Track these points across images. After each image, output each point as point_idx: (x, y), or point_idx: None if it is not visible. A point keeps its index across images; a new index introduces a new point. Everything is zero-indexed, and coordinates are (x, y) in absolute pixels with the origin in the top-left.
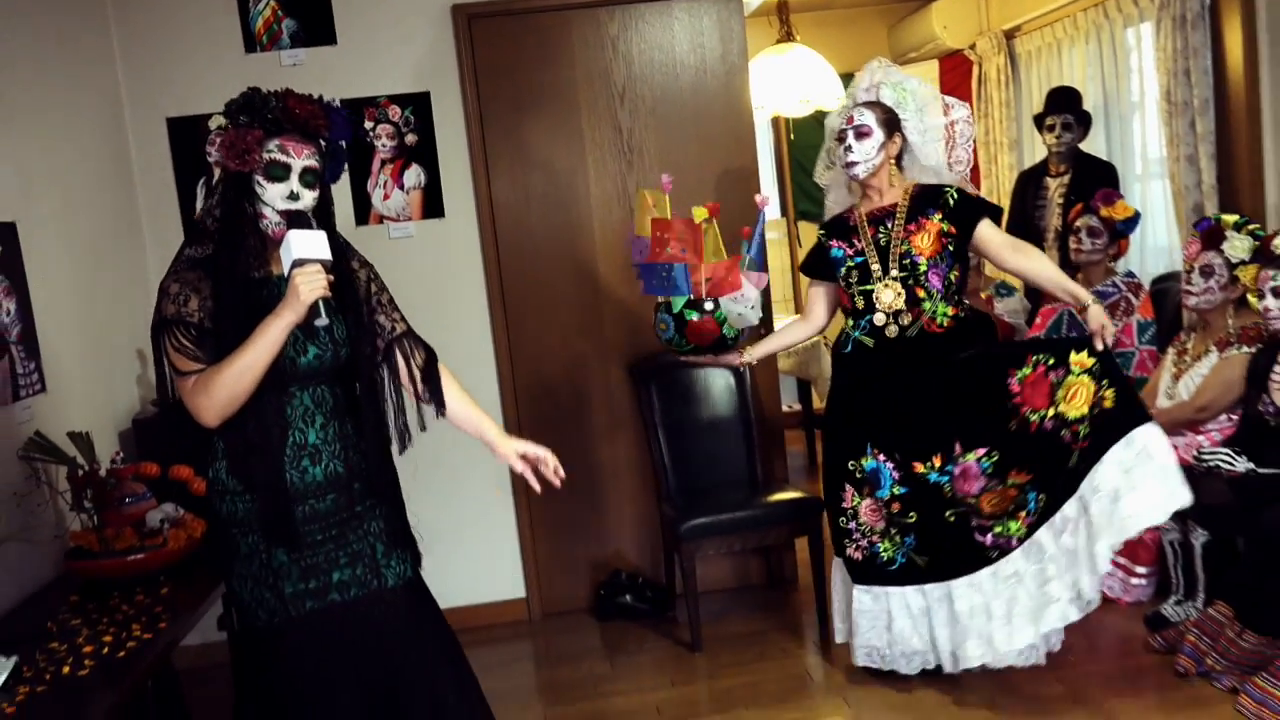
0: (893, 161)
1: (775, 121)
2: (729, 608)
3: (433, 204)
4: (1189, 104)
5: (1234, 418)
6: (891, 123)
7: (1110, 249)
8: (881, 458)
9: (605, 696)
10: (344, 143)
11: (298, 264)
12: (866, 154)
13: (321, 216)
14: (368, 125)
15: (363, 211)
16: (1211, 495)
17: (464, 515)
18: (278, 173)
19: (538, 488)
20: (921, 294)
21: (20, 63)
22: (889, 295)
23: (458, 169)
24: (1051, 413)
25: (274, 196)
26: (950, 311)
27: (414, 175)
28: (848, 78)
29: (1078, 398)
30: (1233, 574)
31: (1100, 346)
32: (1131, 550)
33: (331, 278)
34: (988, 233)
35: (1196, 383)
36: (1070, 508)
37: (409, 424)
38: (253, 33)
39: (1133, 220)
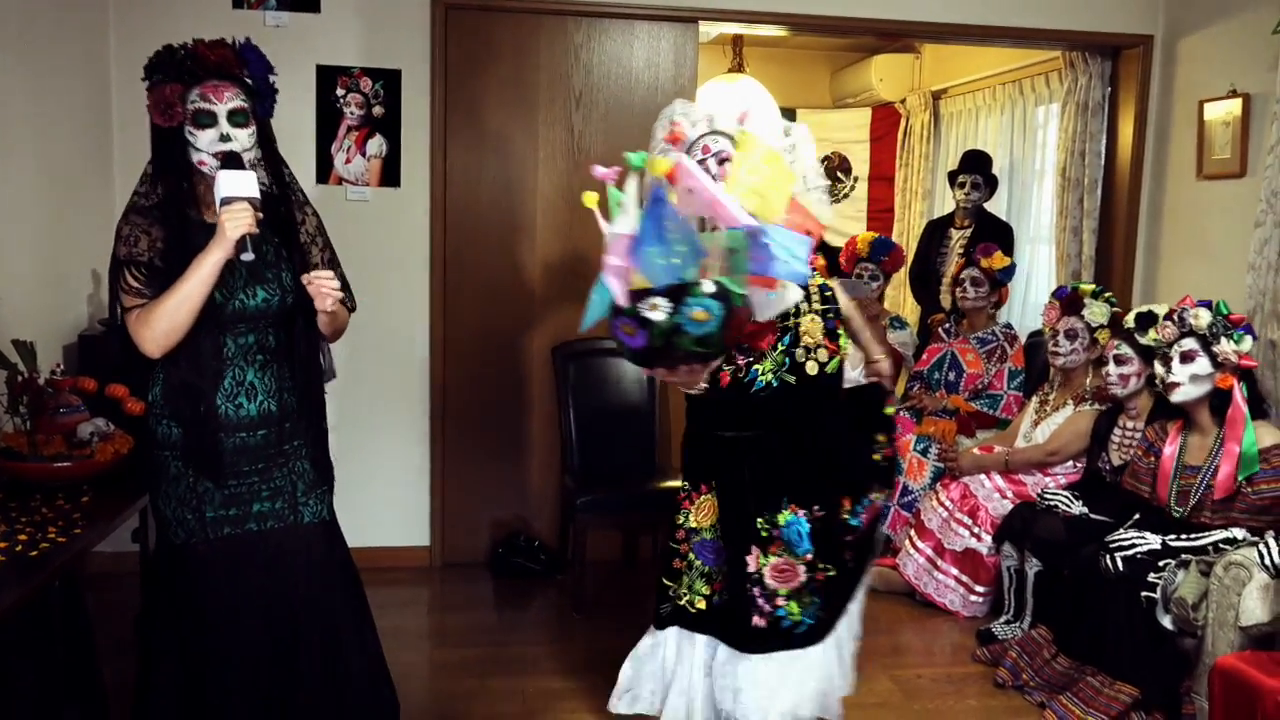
0: None
1: None
2: (615, 578)
3: (390, 174)
4: (1080, 181)
5: (1079, 465)
6: None
7: (992, 297)
8: (801, 512)
9: (489, 645)
10: (271, 77)
11: (225, 202)
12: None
13: (265, 152)
14: (339, 92)
15: (324, 171)
16: (1047, 531)
17: (383, 462)
18: (204, 120)
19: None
20: (840, 328)
21: None
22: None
23: (417, 145)
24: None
25: (206, 143)
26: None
27: (376, 145)
28: (789, 112)
29: None
30: (1056, 602)
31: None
32: (974, 570)
33: (260, 215)
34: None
35: (1051, 430)
36: None
37: (331, 367)
38: None
39: (1009, 269)
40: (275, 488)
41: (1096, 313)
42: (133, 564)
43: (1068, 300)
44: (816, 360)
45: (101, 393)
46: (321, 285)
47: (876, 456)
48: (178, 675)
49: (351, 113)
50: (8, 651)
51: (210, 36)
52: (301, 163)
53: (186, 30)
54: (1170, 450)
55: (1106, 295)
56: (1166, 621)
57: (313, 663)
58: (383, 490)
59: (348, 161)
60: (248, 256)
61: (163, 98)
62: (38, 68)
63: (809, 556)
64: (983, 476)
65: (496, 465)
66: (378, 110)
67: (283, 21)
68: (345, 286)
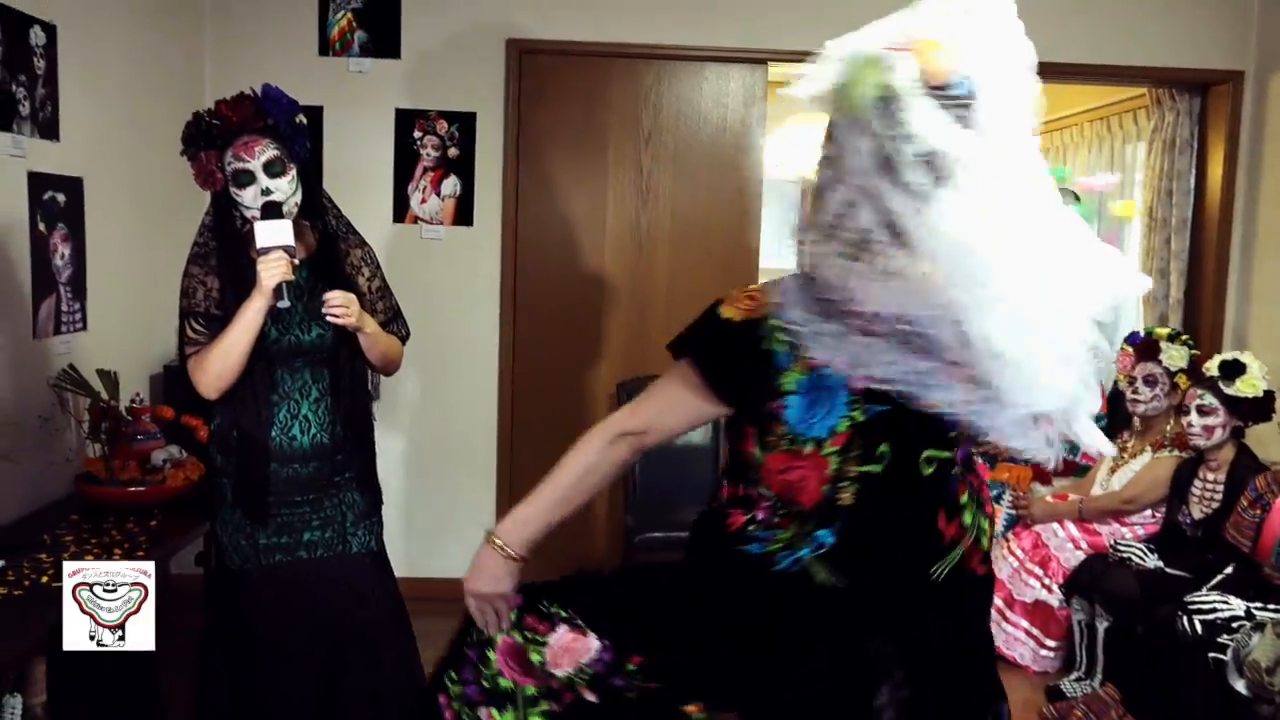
0: None
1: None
2: None
3: (464, 213)
4: (1168, 221)
5: (1158, 516)
6: None
7: None
8: None
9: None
10: (298, 118)
11: (261, 252)
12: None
13: (307, 191)
14: (416, 134)
15: (401, 210)
16: (1119, 585)
17: (450, 494)
18: (243, 179)
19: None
20: None
21: (116, 40)
22: None
23: (490, 185)
24: None
25: (250, 199)
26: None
27: (451, 185)
28: None
29: None
30: (1127, 660)
31: None
32: (1044, 623)
33: (295, 261)
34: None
35: (1129, 477)
36: None
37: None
38: (327, 38)
39: None
40: (325, 518)
41: (1175, 356)
42: (201, 586)
43: (1142, 346)
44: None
45: (178, 421)
46: (332, 310)
47: None
48: (229, 694)
49: (428, 154)
50: (69, 666)
51: (297, 82)
52: (379, 202)
53: (275, 76)
54: None
55: (1183, 338)
56: (1240, 686)
57: (357, 688)
58: (450, 521)
59: (423, 201)
60: (284, 304)
61: (202, 167)
62: (136, 110)
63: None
64: (1056, 525)
65: None
66: (453, 151)
67: (365, 67)
68: (397, 315)
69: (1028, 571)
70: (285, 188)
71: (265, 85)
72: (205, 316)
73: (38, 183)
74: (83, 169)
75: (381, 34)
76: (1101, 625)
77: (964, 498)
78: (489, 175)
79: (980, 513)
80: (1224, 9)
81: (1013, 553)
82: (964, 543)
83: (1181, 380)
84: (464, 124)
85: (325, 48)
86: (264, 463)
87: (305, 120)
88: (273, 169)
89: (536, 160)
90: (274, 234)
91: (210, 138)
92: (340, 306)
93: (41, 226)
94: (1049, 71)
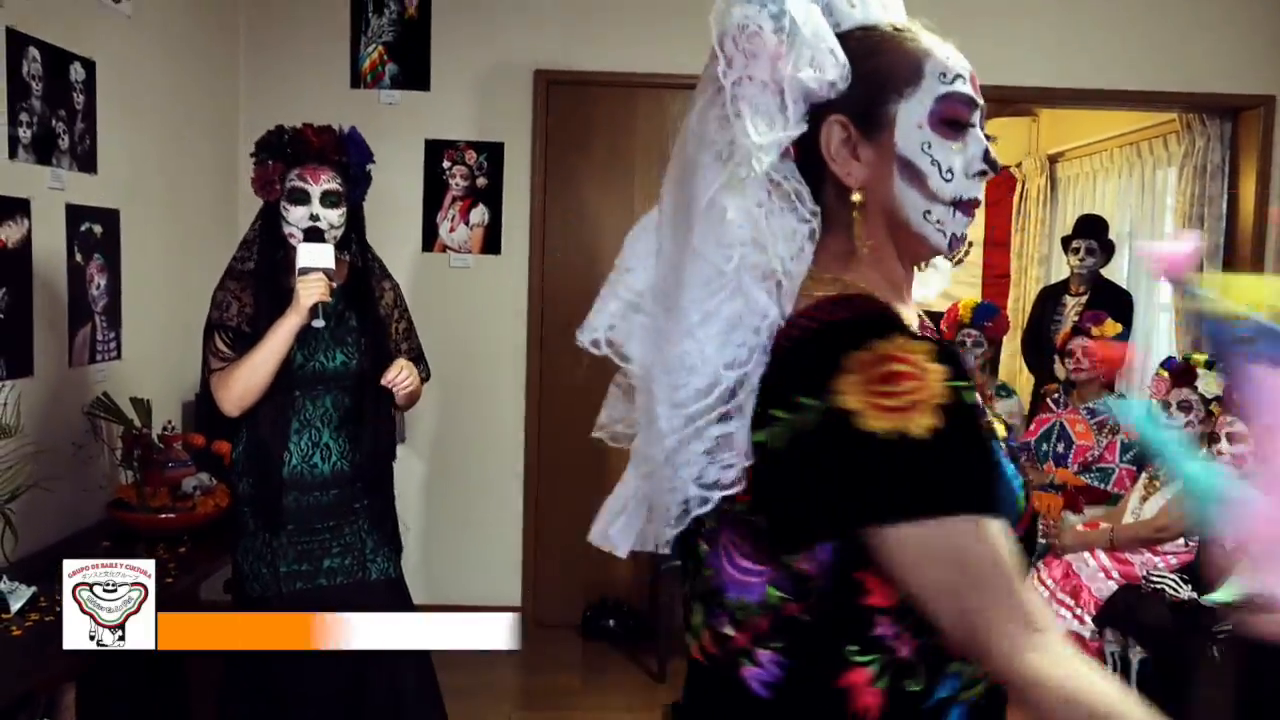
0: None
1: None
2: None
3: (492, 242)
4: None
5: (1191, 544)
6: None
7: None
8: None
9: (568, 709)
10: (368, 167)
11: (302, 272)
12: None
13: (351, 231)
14: (445, 164)
15: (429, 239)
16: (1153, 617)
17: (476, 522)
18: (298, 197)
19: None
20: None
21: (152, 75)
22: None
23: (518, 214)
24: None
25: (298, 219)
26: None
27: (479, 214)
28: None
29: None
30: (1162, 693)
31: None
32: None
33: (334, 285)
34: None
35: (1161, 505)
36: None
37: (402, 430)
38: (359, 71)
39: (1121, 335)
40: (345, 545)
41: (1211, 383)
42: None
43: (1178, 371)
44: None
45: (209, 448)
46: (395, 385)
47: None
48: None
49: (456, 184)
50: (100, 692)
51: (330, 114)
52: (408, 231)
53: (309, 108)
54: None
55: (1220, 365)
56: None
57: (377, 715)
58: (475, 550)
59: (451, 230)
60: (319, 323)
61: (264, 174)
62: (172, 143)
63: None
64: (1086, 555)
65: (589, 527)
66: (481, 181)
67: (395, 99)
68: (420, 355)
69: (1059, 602)
70: (334, 220)
71: (352, 128)
72: (235, 332)
73: (75, 214)
74: (119, 201)
75: (412, 66)
76: (1135, 657)
77: (706, 571)
78: (517, 204)
79: (705, 606)
80: (1254, 33)
81: (1043, 582)
82: (694, 622)
83: (1215, 408)
84: (492, 154)
85: (357, 80)
86: (278, 477)
87: (372, 175)
88: (328, 199)
89: (564, 189)
90: (316, 256)
91: (283, 151)
92: (403, 382)
93: (78, 257)
94: (1080, 97)
